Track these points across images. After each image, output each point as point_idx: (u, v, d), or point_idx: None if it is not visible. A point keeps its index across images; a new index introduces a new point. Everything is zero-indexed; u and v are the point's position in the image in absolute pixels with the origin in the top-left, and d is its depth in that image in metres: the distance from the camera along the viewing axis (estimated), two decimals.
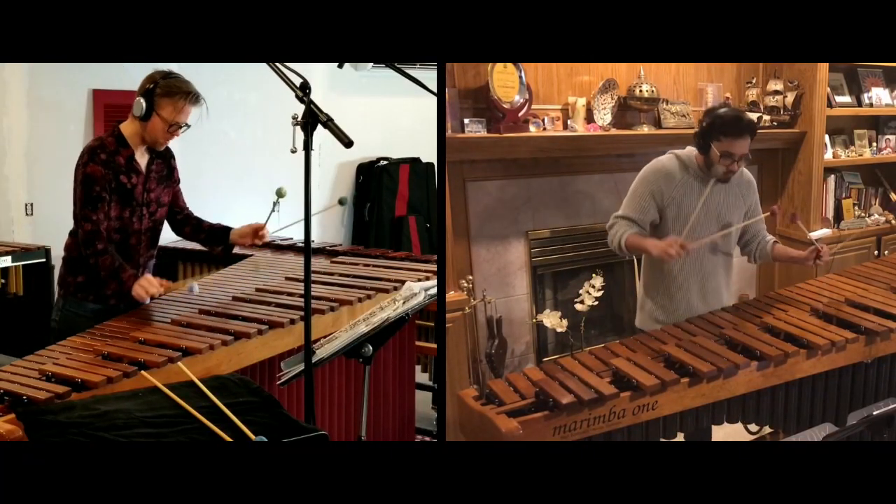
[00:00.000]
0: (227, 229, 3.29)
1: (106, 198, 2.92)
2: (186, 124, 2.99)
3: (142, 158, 3.02)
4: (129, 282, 2.91)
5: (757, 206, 3.16)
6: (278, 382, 2.66)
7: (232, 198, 5.53)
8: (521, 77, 3.80)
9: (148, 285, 2.93)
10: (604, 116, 4.14)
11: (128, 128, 2.99)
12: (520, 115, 3.81)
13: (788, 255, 3.18)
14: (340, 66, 3.80)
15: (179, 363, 2.47)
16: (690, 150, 3.03)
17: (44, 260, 4.42)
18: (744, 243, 3.19)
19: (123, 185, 2.96)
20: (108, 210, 2.93)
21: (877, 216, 5.27)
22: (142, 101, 2.92)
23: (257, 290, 3.32)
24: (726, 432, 3.01)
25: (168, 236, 5.03)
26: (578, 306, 4.12)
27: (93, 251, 2.92)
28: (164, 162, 3.12)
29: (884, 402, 2.75)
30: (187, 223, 3.31)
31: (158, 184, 3.09)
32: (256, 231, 3.25)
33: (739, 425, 2.74)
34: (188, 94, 2.95)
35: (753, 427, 2.64)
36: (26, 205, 4.76)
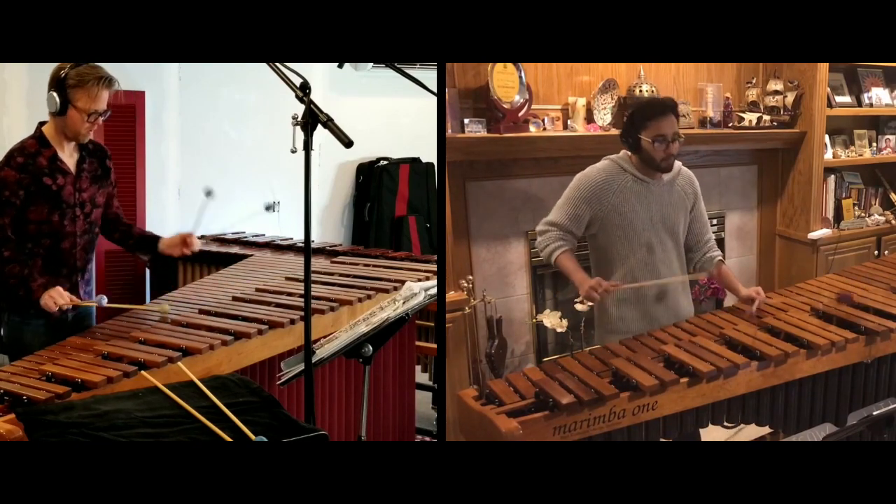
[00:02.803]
0: (156, 238, 3.16)
1: (16, 203, 2.78)
2: (106, 111, 2.85)
3: (69, 158, 2.89)
4: (37, 292, 2.77)
5: (699, 201, 3.06)
6: (278, 382, 2.66)
7: (232, 198, 5.54)
8: (521, 77, 3.79)
9: (57, 296, 2.78)
10: (604, 116, 4.14)
11: (49, 127, 2.86)
12: (520, 115, 3.81)
13: (730, 283, 3.09)
14: (340, 66, 3.81)
15: (179, 363, 2.47)
16: (625, 154, 2.96)
17: None
18: (687, 247, 3.06)
19: (48, 187, 2.82)
20: (24, 215, 2.80)
21: (877, 216, 5.27)
22: (54, 95, 2.78)
23: (257, 290, 3.32)
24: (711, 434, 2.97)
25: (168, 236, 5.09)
26: (578, 306, 4.11)
27: None
28: (98, 161, 2.98)
29: (884, 402, 2.75)
30: (117, 228, 3.15)
31: (92, 183, 2.95)
32: (184, 240, 3.07)
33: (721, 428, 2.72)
34: (101, 79, 2.79)
35: (728, 423, 2.63)
36: None
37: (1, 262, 2.80)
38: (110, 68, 2.93)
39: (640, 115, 2.88)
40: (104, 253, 4.52)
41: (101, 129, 3.03)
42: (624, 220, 2.89)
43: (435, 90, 2.96)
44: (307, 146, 2.26)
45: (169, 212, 5.19)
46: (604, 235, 2.93)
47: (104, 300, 2.93)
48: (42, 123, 2.90)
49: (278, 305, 3.08)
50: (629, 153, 2.95)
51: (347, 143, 2.23)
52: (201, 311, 2.97)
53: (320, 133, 2.25)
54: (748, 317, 2.87)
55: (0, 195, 2.79)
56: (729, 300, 4.53)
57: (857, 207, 5.32)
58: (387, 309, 2.73)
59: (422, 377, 4.13)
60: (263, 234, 5.15)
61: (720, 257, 3.09)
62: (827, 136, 4.96)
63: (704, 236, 3.08)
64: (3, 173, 2.79)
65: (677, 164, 2.99)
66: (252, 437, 2.05)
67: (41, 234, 2.85)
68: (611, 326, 2.98)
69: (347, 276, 3.65)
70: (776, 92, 4.81)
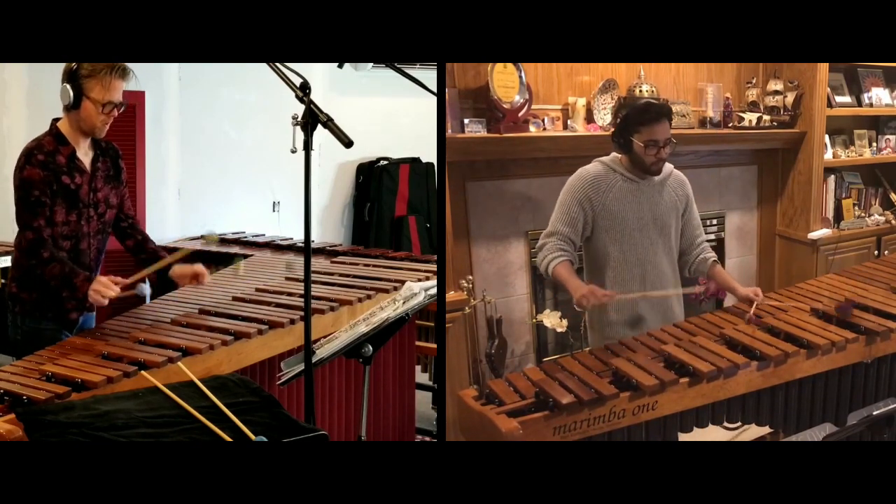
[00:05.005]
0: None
1: (47, 202, 2.71)
2: (122, 103, 2.78)
3: (85, 156, 2.82)
4: (82, 287, 2.70)
5: (691, 205, 3.06)
6: (278, 382, 2.67)
7: (232, 198, 5.54)
8: (521, 77, 3.79)
9: (103, 288, 2.71)
10: (604, 116, 4.14)
11: (64, 124, 2.78)
12: (520, 115, 3.81)
13: (726, 283, 3.04)
14: (340, 66, 3.81)
15: (179, 363, 2.47)
16: (615, 156, 2.96)
17: None
18: (681, 251, 3.07)
19: (67, 186, 2.75)
20: (52, 215, 2.74)
21: (877, 216, 5.27)
22: (67, 87, 2.70)
23: (257, 290, 3.32)
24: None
25: (168, 236, 5.09)
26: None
27: (38, 261, 2.72)
28: (111, 160, 2.91)
29: (884, 402, 2.75)
30: (132, 236, 3.05)
31: (105, 183, 2.88)
32: (197, 275, 2.98)
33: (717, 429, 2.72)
34: (113, 68, 2.71)
35: (729, 425, 2.63)
36: None
37: (41, 264, 2.72)
38: None
39: (634, 119, 2.86)
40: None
41: None
42: (615, 221, 2.89)
43: (435, 90, 2.96)
44: (307, 146, 2.26)
45: (169, 212, 5.19)
46: (595, 236, 2.94)
47: (146, 290, 2.85)
48: (56, 120, 2.82)
49: (278, 305, 3.09)
50: (619, 154, 2.95)
51: (347, 143, 2.23)
52: (201, 311, 2.97)
53: (320, 133, 2.25)
54: (747, 320, 2.85)
55: (29, 195, 2.71)
56: (729, 300, 4.53)
57: (857, 207, 5.32)
58: (387, 309, 2.73)
59: (422, 377, 4.13)
60: (263, 234, 5.15)
61: (714, 258, 3.07)
62: (827, 136, 4.96)
63: (697, 239, 3.08)
64: (27, 173, 2.70)
65: (668, 165, 3.00)
66: (252, 437, 2.05)
67: (63, 237, 2.79)
68: (603, 332, 2.99)
69: (347, 276, 3.65)
70: (776, 92, 4.81)
